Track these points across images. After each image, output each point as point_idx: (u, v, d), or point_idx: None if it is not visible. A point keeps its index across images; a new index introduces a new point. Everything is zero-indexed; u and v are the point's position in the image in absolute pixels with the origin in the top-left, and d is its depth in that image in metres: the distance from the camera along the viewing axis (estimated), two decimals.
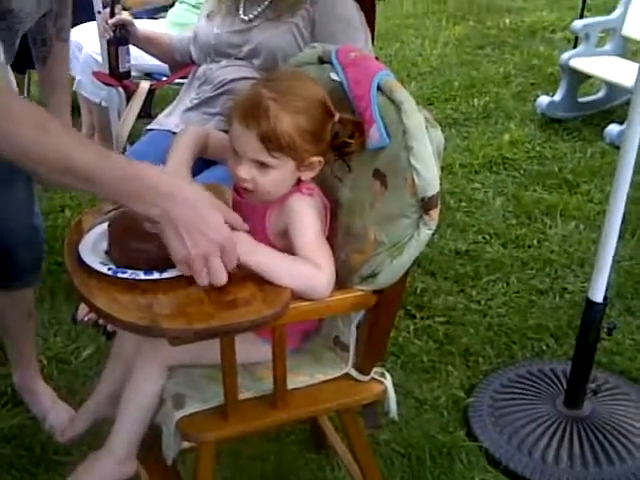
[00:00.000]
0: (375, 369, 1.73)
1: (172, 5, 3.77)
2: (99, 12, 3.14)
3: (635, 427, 2.33)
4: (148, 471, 1.81)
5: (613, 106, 4.51)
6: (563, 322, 2.79)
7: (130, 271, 1.51)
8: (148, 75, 3.46)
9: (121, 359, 1.80)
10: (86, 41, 3.62)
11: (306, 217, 1.60)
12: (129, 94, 3.04)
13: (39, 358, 2.45)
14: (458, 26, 5.97)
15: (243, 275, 1.53)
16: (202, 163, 2.20)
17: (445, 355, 2.63)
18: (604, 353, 2.59)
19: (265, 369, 1.64)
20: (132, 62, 3.02)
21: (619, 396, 2.44)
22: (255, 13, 2.48)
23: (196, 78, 2.60)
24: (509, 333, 2.74)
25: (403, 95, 1.56)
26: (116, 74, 3.01)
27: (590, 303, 2.21)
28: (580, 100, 4.48)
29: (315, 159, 1.61)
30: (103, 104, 3.63)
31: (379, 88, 1.59)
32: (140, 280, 1.50)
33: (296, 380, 1.67)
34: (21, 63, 2.02)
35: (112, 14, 2.84)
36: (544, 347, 2.68)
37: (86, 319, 2.69)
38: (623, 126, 3.88)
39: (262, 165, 1.58)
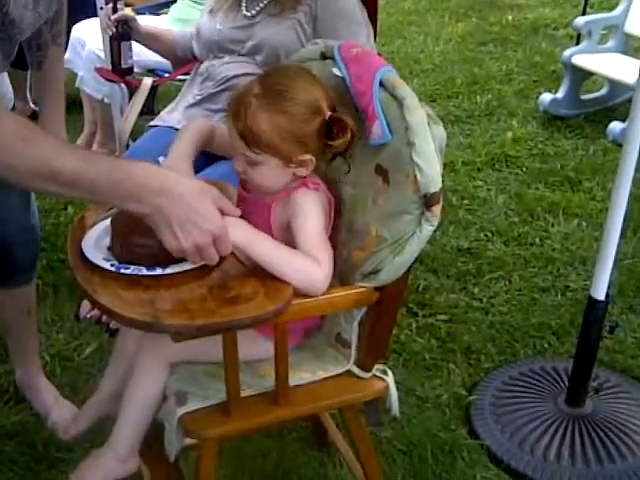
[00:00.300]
0: (377, 366, 1.73)
1: (174, 1, 3.76)
2: (101, 8, 3.15)
3: (637, 425, 2.33)
4: (150, 468, 1.81)
5: (615, 103, 4.50)
6: (565, 320, 2.79)
7: (133, 267, 1.51)
8: (151, 71, 3.46)
9: (124, 357, 1.80)
10: (89, 37, 3.63)
11: (309, 211, 1.60)
12: (131, 90, 3.05)
13: (42, 355, 2.46)
14: (461, 23, 5.97)
15: (245, 272, 1.53)
16: (205, 159, 2.21)
17: (447, 353, 2.62)
18: (606, 351, 2.59)
19: (267, 366, 1.64)
20: (134, 58, 3.03)
21: (621, 394, 2.44)
22: (257, 9, 2.48)
23: (198, 74, 2.60)
24: (511, 331, 2.74)
25: (405, 91, 1.56)
26: (119, 70, 3.01)
27: (592, 301, 2.21)
28: (582, 97, 4.47)
29: (306, 157, 1.60)
30: (105, 100, 3.63)
31: (381, 84, 1.59)
32: (143, 276, 1.50)
33: (298, 377, 1.67)
34: (22, 59, 2.01)
35: (114, 10, 2.84)
36: (546, 345, 2.68)
37: (89, 316, 2.69)
38: (625, 123, 3.86)
39: (249, 160, 1.59)
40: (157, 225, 1.43)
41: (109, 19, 2.87)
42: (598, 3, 5.70)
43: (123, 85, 3.11)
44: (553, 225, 3.38)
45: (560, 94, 4.40)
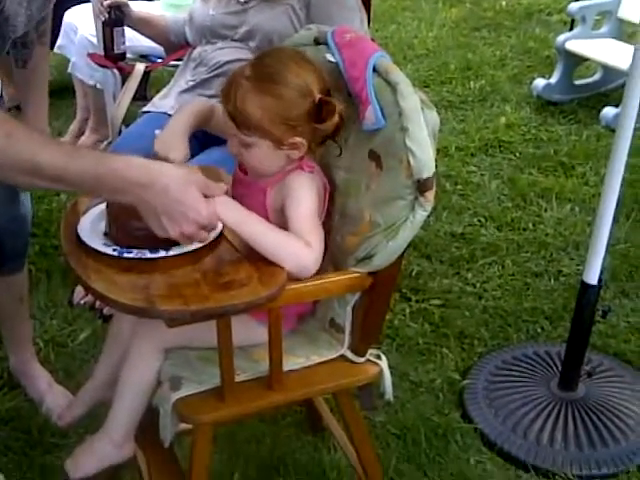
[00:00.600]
0: (370, 351, 1.74)
1: None
2: None
3: (629, 409, 2.34)
4: (145, 453, 1.81)
5: (609, 89, 4.50)
6: (558, 305, 2.80)
7: (136, 250, 1.51)
8: (143, 57, 3.45)
9: (118, 342, 1.80)
10: (81, 23, 3.61)
11: (303, 194, 1.60)
12: (124, 76, 3.04)
13: (35, 341, 2.46)
14: (454, 8, 5.95)
15: (239, 257, 1.53)
16: (199, 145, 2.20)
17: (440, 338, 2.63)
18: (599, 335, 2.60)
19: (261, 351, 1.64)
20: (127, 44, 3.01)
21: (613, 378, 2.45)
22: None
23: (191, 60, 2.59)
24: (504, 316, 2.75)
25: (399, 77, 1.56)
26: (111, 56, 3.00)
27: (585, 286, 2.22)
28: (576, 83, 4.47)
29: (297, 139, 1.60)
30: (98, 86, 3.61)
31: (375, 69, 1.59)
32: (147, 259, 1.50)
33: (292, 362, 1.67)
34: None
35: None
36: (539, 329, 2.69)
37: (82, 302, 2.69)
38: (619, 109, 3.86)
39: (242, 141, 1.59)
40: (145, 215, 1.45)
41: (102, 4, 2.86)
42: None
43: (116, 71, 3.10)
44: (546, 210, 3.39)
45: (554, 79, 4.39)
